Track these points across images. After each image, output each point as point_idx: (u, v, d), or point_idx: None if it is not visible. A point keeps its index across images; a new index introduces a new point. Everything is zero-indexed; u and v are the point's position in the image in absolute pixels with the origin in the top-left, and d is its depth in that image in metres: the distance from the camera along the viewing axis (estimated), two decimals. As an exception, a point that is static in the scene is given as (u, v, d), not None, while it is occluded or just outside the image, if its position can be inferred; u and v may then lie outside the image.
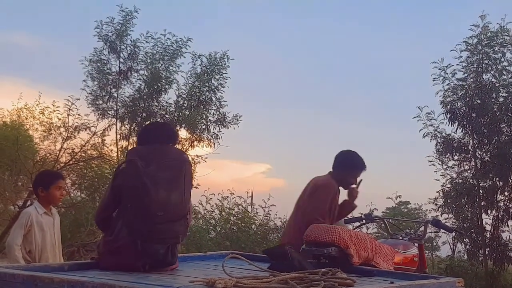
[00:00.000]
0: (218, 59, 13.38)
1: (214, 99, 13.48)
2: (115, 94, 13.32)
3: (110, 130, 13.42)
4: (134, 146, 13.02)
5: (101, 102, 13.33)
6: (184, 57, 13.39)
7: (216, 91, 13.46)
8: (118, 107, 13.31)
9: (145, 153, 3.49)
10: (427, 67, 11.52)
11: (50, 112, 13.89)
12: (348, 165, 5.33)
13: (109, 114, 13.37)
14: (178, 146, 13.14)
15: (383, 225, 6.75)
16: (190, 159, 3.61)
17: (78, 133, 13.11)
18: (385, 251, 4.53)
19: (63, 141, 12.99)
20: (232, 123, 13.52)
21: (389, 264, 4.53)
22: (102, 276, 2.91)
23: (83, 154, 13.27)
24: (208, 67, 13.38)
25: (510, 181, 11.13)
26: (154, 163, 3.37)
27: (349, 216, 5.69)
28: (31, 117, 15.00)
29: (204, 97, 13.36)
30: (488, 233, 11.41)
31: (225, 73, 13.46)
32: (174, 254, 3.42)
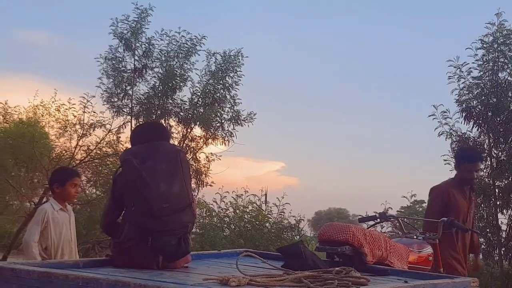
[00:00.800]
0: (232, 56, 13.39)
1: (228, 97, 13.52)
2: (130, 92, 13.37)
3: (125, 127, 13.48)
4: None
5: (116, 99, 13.40)
6: (199, 55, 13.44)
7: (231, 89, 13.49)
8: (133, 105, 13.37)
9: (140, 151, 3.52)
10: (443, 66, 11.44)
11: (66, 109, 14.01)
12: (459, 162, 6.15)
13: (124, 111, 13.44)
14: (193, 144, 13.27)
15: (397, 224, 6.72)
16: (185, 151, 3.67)
17: (93, 130, 13.16)
18: (399, 250, 4.51)
19: (79, 138, 13.05)
20: (246, 121, 13.55)
21: (404, 263, 4.51)
22: (117, 274, 2.93)
23: (98, 152, 13.33)
24: (222, 65, 13.39)
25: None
26: (150, 158, 3.41)
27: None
28: (47, 114, 15.13)
29: (218, 95, 13.38)
30: (503, 233, 11.30)
31: (240, 71, 13.50)
32: (187, 243, 3.43)
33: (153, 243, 3.30)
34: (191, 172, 3.74)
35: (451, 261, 5.79)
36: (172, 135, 12.87)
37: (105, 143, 13.44)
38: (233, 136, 13.54)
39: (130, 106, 13.37)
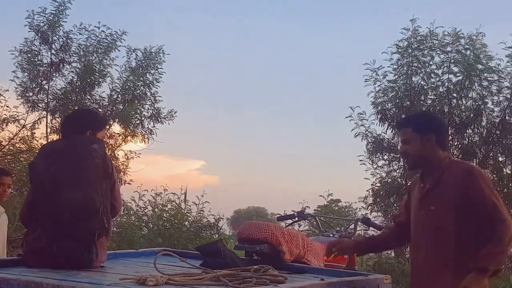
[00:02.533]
0: (153, 53, 13.25)
1: (148, 94, 13.36)
2: (46, 86, 12.96)
3: (41, 123, 13.06)
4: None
5: (31, 94, 12.97)
6: (119, 51, 13.19)
7: (151, 86, 13.34)
8: (49, 100, 12.96)
9: (52, 149, 3.48)
10: (361, 68, 11.79)
11: (-23, 103, 13.39)
12: None
13: (39, 106, 13.02)
14: (112, 141, 13.03)
15: (314, 222, 6.87)
16: (98, 148, 3.46)
17: (6, 125, 12.72)
18: (316, 248, 4.61)
19: (-10, 133, 12.57)
20: (167, 118, 13.44)
21: (320, 261, 4.62)
22: (29, 274, 2.84)
23: (11, 148, 12.89)
24: (143, 61, 13.23)
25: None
26: (56, 162, 3.32)
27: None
28: (-45, 108, 14.39)
29: (138, 91, 13.21)
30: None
31: (161, 68, 13.36)
32: (91, 252, 3.33)
33: (57, 249, 3.22)
34: (113, 170, 3.57)
35: None
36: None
37: (18, 138, 13.01)
38: (153, 134, 13.41)
39: (46, 101, 12.97)
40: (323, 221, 6.17)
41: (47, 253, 3.22)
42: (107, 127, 4.69)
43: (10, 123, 12.73)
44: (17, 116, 12.77)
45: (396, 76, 11.68)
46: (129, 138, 13.38)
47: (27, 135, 13.14)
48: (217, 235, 12.17)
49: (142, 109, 13.32)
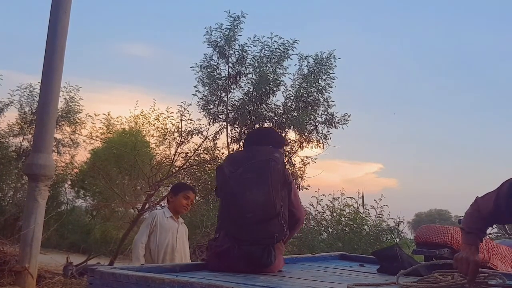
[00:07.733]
0: (324, 59, 13.35)
1: (321, 99, 13.47)
2: (225, 98, 13.62)
3: (221, 133, 13.77)
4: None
5: (212, 106, 13.69)
6: (291, 59, 13.51)
7: (324, 91, 13.44)
8: (228, 111, 13.60)
9: (237, 157, 3.64)
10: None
11: (165, 118, 14.46)
12: None
13: (220, 118, 13.71)
14: (287, 148, 13.28)
15: (501, 225, 6.42)
16: (279, 156, 3.54)
17: (191, 137, 13.49)
18: (502, 252, 4.31)
19: (177, 145, 13.42)
20: (340, 123, 13.44)
21: (508, 265, 4.31)
22: (211, 277, 2.98)
23: (196, 158, 13.65)
24: (314, 68, 13.38)
25: None
26: (241, 166, 3.44)
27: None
28: (147, 123, 15.69)
29: (311, 98, 13.37)
30: None
31: (332, 73, 13.43)
32: (270, 254, 3.39)
33: (238, 252, 3.33)
34: (291, 180, 3.66)
35: None
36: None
37: (202, 149, 13.73)
38: (328, 139, 13.49)
39: (226, 112, 13.62)
40: (511, 224, 5.72)
41: (229, 255, 3.36)
42: (285, 147, 4.82)
43: (194, 135, 13.52)
44: (200, 128, 13.54)
45: None
46: (304, 144, 13.58)
47: (209, 146, 13.86)
48: (397, 239, 11.89)
49: (316, 115, 13.45)
